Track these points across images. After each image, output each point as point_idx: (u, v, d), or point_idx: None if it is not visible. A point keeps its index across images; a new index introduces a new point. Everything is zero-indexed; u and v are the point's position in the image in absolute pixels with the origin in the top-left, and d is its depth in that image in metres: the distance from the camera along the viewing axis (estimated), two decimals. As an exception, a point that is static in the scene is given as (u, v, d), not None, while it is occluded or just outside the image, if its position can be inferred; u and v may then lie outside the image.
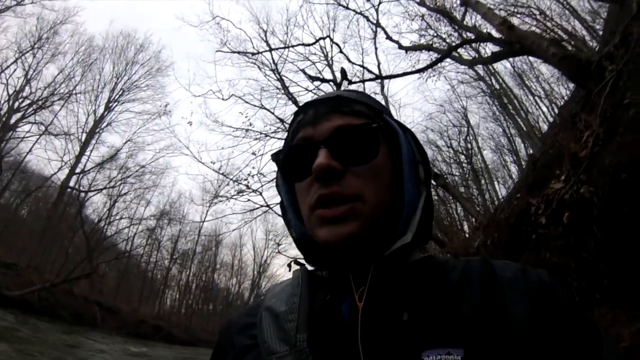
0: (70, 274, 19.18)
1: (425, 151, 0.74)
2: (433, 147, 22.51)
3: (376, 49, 12.61)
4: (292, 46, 11.49)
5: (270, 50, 11.09)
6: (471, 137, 20.62)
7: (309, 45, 11.80)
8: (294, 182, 0.72)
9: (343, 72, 9.22)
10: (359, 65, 11.80)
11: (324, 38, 11.87)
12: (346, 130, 0.67)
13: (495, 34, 9.10)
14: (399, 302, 0.58)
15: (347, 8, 12.93)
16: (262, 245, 35.69)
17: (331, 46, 12.82)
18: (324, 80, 10.69)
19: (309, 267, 0.73)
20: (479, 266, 0.63)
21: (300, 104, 0.78)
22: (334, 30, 13.19)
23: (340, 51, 11.16)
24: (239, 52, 11.79)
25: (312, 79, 10.43)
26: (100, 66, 27.28)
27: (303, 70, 11.75)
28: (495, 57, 9.66)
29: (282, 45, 12.70)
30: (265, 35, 12.71)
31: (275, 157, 0.75)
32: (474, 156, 20.82)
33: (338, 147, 0.65)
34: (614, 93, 3.27)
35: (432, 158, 22.64)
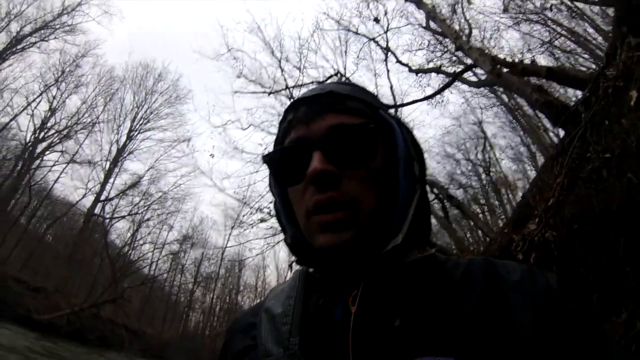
0: (99, 298, 20.03)
1: (421, 147, 0.74)
2: (452, 161, 22.76)
3: (388, 71, 12.97)
4: (305, 84, 12.10)
5: (287, 88, 11.71)
6: (489, 148, 20.80)
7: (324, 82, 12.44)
8: (287, 187, 0.70)
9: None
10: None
11: (340, 78, 12.47)
12: (342, 131, 0.65)
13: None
14: (391, 307, 0.57)
15: (357, 33, 13.56)
16: (285, 266, 36.08)
17: (344, 69, 13.41)
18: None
19: (307, 269, 0.73)
20: (482, 267, 0.62)
21: None
22: (346, 53, 13.66)
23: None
24: (255, 92, 12.45)
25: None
26: (122, 96, 28.99)
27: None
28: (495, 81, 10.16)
29: (296, 71, 13.43)
30: (280, 64, 13.40)
31: (267, 159, 0.73)
32: (492, 167, 21.01)
33: (333, 150, 0.64)
34: (582, 144, 3.69)
35: (451, 171, 22.87)
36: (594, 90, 4.09)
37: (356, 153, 0.64)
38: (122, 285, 23.31)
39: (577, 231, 3.00)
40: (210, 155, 13.29)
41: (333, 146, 0.64)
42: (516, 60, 9.60)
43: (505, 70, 8.52)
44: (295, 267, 0.77)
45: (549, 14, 12.80)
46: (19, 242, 21.50)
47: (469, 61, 10.62)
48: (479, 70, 10.95)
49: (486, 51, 10.77)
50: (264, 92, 12.55)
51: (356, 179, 0.63)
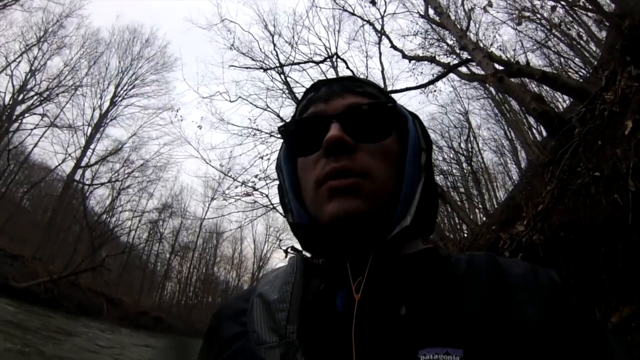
0: (78, 267, 20.04)
1: (431, 138, 0.75)
2: (435, 147, 23.15)
3: (380, 54, 13.19)
4: (300, 63, 12.17)
5: (280, 66, 11.78)
6: (472, 138, 21.28)
7: (318, 63, 12.50)
8: (300, 157, 0.72)
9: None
10: (364, 79, 12.57)
11: (331, 57, 12.54)
12: (360, 107, 0.68)
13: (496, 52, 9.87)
14: (397, 295, 0.57)
15: (353, 14, 13.61)
16: (263, 240, 36.59)
17: (336, 48, 13.56)
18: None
19: (307, 255, 0.72)
20: (486, 262, 0.62)
21: None
22: (339, 32, 13.75)
23: (347, 67, 11.82)
24: (249, 67, 12.47)
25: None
26: (107, 60, 28.22)
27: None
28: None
29: (288, 47, 13.54)
30: (273, 39, 13.43)
31: (283, 129, 0.75)
32: (474, 157, 21.58)
33: (351, 123, 0.66)
34: (574, 157, 4.06)
35: (433, 158, 23.35)
36: (590, 108, 4.43)
37: (371, 128, 0.67)
38: (101, 253, 23.38)
39: (563, 238, 3.38)
40: (198, 126, 13.39)
41: (350, 120, 0.67)
42: (509, 57, 9.96)
43: (500, 67, 8.88)
44: (291, 253, 0.75)
45: (545, 14, 13.05)
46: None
47: (464, 54, 10.94)
48: (472, 63, 11.22)
49: (482, 45, 11.14)
50: (259, 67, 12.59)
51: (369, 153, 0.65)
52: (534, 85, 12.35)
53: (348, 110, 0.68)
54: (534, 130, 15.97)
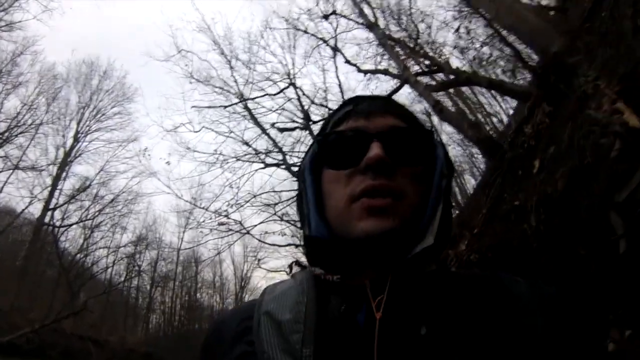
0: (59, 313, 20.00)
1: (453, 165, 0.77)
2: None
3: (337, 68, 13.76)
4: (261, 97, 12.85)
5: (242, 101, 12.43)
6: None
7: (274, 95, 13.18)
8: (333, 169, 0.73)
9: (306, 114, 10.78)
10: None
11: (286, 88, 13.26)
12: (401, 130, 0.73)
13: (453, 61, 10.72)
14: (417, 315, 0.58)
15: (306, 32, 14.14)
16: (241, 260, 36.83)
17: (292, 65, 14.16)
18: (293, 129, 12.18)
19: (315, 270, 0.71)
20: (492, 281, 0.67)
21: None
22: (294, 48, 14.40)
23: (304, 94, 12.58)
24: (213, 107, 13.14)
25: (281, 130, 11.92)
26: (66, 96, 28.15)
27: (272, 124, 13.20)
28: (443, 87, 11.41)
29: (245, 69, 14.08)
30: (230, 64, 13.99)
31: (319, 139, 0.79)
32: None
33: (392, 144, 0.69)
34: (503, 183, 4.82)
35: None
36: (516, 136, 5.23)
37: (410, 152, 0.70)
38: (80, 295, 23.33)
39: (490, 258, 4.14)
40: (166, 162, 13.87)
41: (392, 141, 0.69)
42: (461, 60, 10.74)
43: (451, 77, 9.72)
44: (296, 268, 0.76)
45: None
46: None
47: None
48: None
49: (433, 55, 11.97)
50: (220, 106, 13.24)
51: (406, 176, 0.68)
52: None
53: (390, 131, 0.71)
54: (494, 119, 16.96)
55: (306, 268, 0.75)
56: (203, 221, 13.55)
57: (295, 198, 0.89)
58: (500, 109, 17.25)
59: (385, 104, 0.80)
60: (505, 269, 3.81)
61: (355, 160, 0.69)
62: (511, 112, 13.93)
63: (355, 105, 0.78)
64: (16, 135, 24.52)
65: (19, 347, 17.57)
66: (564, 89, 4.01)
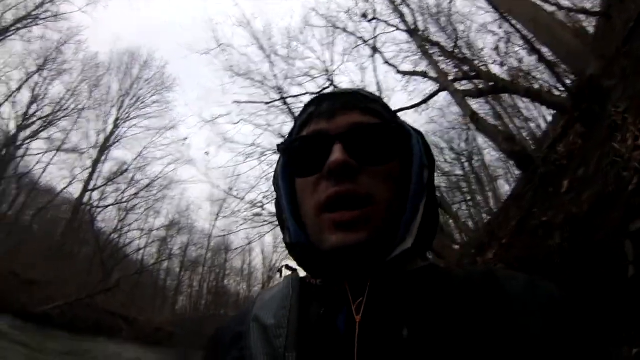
0: (94, 289, 21.14)
1: (433, 155, 0.75)
2: (435, 149, 24.06)
3: (375, 67, 13.94)
4: (302, 95, 13.18)
5: (283, 99, 12.82)
6: (472, 139, 22.07)
7: (314, 94, 13.48)
8: (299, 177, 0.71)
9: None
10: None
11: (325, 85, 13.55)
12: (365, 128, 0.68)
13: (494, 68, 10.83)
14: (398, 317, 0.57)
15: (345, 31, 14.38)
16: (271, 250, 37.61)
17: (331, 62, 14.50)
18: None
19: (301, 273, 0.73)
20: (485, 278, 0.62)
21: None
22: (333, 45, 14.68)
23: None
24: (253, 102, 13.60)
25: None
26: (107, 84, 29.83)
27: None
28: (481, 94, 11.53)
29: (284, 64, 14.52)
30: (269, 58, 14.40)
31: (282, 147, 0.75)
32: (475, 156, 22.42)
33: (355, 144, 0.66)
34: (534, 197, 5.06)
35: (436, 160, 24.23)
36: (550, 153, 5.44)
37: (377, 151, 0.67)
38: (113, 274, 24.54)
39: (517, 269, 4.41)
40: (205, 153, 14.45)
41: (355, 141, 0.66)
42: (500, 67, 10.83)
43: (490, 84, 9.85)
44: (286, 272, 0.75)
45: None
46: (9, 235, 22.41)
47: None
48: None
49: (472, 58, 12.06)
50: (262, 102, 13.65)
51: (373, 176, 0.65)
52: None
53: (352, 130, 0.67)
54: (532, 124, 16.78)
55: (295, 271, 0.75)
56: (238, 210, 13.97)
57: None
58: (538, 115, 17.04)
59: (349, 99, 0.73)
60: None
61: (319, 166, 0.66)
62: (549, 118, 13.80)
63: (318, 106, 0.74)
64: (60, 120, 26.31)
65: (52, 318, 18.81)
66: (598, 112, 4.21)
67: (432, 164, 0.74)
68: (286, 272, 0.77)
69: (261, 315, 0.65)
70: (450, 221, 20.01)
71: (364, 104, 0.73)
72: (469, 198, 23.37)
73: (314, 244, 0.67)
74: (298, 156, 0.72)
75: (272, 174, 0.81)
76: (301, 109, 0.79)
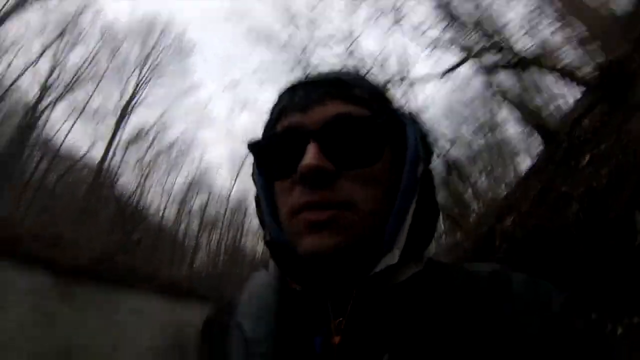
0: (117, 246, 22.23)
1: (431, 145, 0.66)
2: (458, 118, 24.00)
3: (398, 37, 14.18)
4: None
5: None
6: (496, 110, 21.94)
7: (335, 63, 13.59)
8: (275, 179, 0.63)
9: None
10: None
11: (347, 53, 13.54)
12: (344, 122, 0.58)
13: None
14: (380, 340, 0.52)
15: None
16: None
17: (353, 30, 14.13)
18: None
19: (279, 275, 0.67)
20: (486, 285, 0.56)
21: None
22: (355, 12, 14.59)
23: (366, 63, 12.92)
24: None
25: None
26: (127, 50, 30.07)
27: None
28: (507, 67, 11.52)
29: (305, 30, 14.49)
30: (291, 23, 14.43)
31: (252, 147, 0.66)
32: (496, 129, 22.35)
33: (332, 143, 0.57)
34: (555, 170, 5.30)
35: (456, 127, 24.22)
36: (573, 128, 5.65)
37: (359, 150, 0.58)
38: (135, 233, 25.60)
39: (534, 237, 4.70)
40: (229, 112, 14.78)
41: (333, 139, 0.57)
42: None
43: (516, 57, 9.88)
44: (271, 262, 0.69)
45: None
46: (35, 197, 23.47)
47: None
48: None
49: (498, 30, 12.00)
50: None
51: (355, 181, 0.57)
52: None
53: (330, 125, 0.58)
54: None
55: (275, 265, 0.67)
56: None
57: None
58: (567, 92, 16.88)
59: (328, 86, 0.63)
60: (543, 247, 4.32)
61: (293, 168, 0.57)
62: (577, 95, 13.77)
63: (292, 96, 0.64)
64: (80, 86, 27.08)
65: (79, 273, 19.63)
66: (624, 91, 4.40)
67: (429, 156, 0.65)
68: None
69: (243, 322, 0.61)
70: (470, 190, 20.34)
71: (347, 91, 0.62)
72: (488, 168, 23.48)
73: (292, 247, 0.59)
74: (269, 157, 0.64)
75: None
76: (275, 100, 0.69)
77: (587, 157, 4.45)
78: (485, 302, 0.54)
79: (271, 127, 0.67)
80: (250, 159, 0.69)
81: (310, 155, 0.56)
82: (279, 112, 0.65)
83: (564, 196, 4.61)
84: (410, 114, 0.66)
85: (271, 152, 0.63)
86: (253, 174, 0.70)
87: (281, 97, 0.67)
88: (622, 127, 3.69)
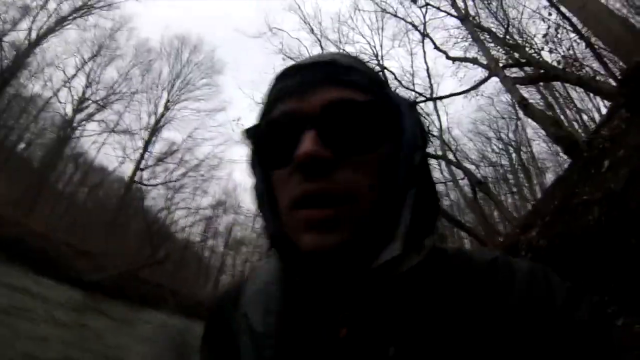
0: (145, 260, 23.03)
1: (426, 131, 0.64)
2: (483, 138, 23.90)
3: (425, 53, 14.05)
4: None
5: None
6: (521, 129, 21.83)
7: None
8: (272, 169, 0.61)
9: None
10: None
11: (376, 56, 13.78)
12: (343, 107, 0.57)
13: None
14: (386, 332, 0.52)
15: (396, 16, 14.72)
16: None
17: (380, 47, 14.95)
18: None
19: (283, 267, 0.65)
20: (489, 275, 0.57)
21: None
22: (382, 30, 15.01)
23: (394, 77, 13.19)
24: None
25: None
26: (158, 68, 31.83)
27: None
28: (532, 81, 11.61)
29: (334, 47, 14.90)
30: (320, 43, 15.07)
31: (249, 134, 0.65)
32: (523, 147, 22.19)
33: (331, 130, 0.56)
34: (577, 179, 5.34)
35: (481, 149, 24.02)
36: (593, 137, 5.71)
37: (359, 136, 0.56)
38: (161, 249, 26.12)
39: (558, 244, 4.75)
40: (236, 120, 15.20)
41: (331, 125, 0.56)
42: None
43: (541, 71, 9.98)
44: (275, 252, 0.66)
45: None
46: (66, 210, 24.40)
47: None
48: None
49: (523, 44, 12.12)
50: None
51: (354, 168, 0.55)
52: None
53: (327, 110, 0.56)
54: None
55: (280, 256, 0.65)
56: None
57: None
58: (592, 106, 16.76)
59: (325, 70, 0.61)
60: (567, 255, 4.34)
61: (289, 156, 0.56)
62: (604, 110, 13.68)
63: (287, 81, 0.62)
64: (113, 102, 28.55)
65: (104, 286, 20.13)
66: (640, 97, 4.46)
67: (425, 143, 0.63)
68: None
69: (249, 312, 0.62)
70: (496, 212, 20.07)
71: (344, 75, 0.61)
72: (514, 190, 23.20)
73: (293, 241, 0.59)
74: (265, 145, 0.62)
75: None
76: (270, 84, 0.67)
77: (607, 163, 4.50)
78: (489, 292, 0.54)
79: (267, 114, 0.64)
80: (248, 147, 0.67)
81: (307, 143, 0.54)
82: (274, 97, 0.63)
83: (584, 202, 4.65)
84: (406, 99, 0.65)
85: (267, 139, 0.61)
86: (250, 164, 0.67)
87: (276, 81, 0.65)
88: (640, 130, 3.76)
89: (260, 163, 0.65)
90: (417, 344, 0.50)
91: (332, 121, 0.56)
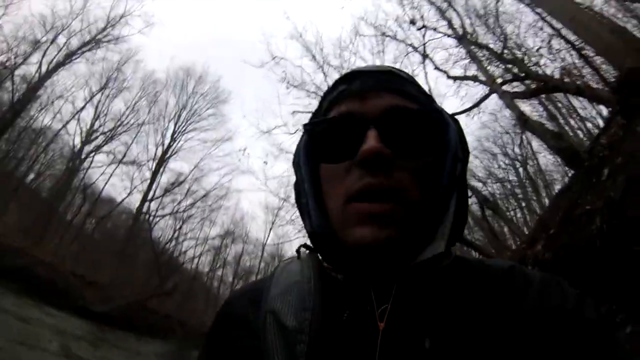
0: (154, 291, 23.05)
1: (468, 146, 0.70)
2: (489, 155, 23.83)
3: (426, 74, 13.89)
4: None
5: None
6: (526, 142, 21.72)
7: None
8: (326, 163, 0.66)
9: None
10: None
11: None
12: (401, 113, 0.62)
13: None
14: (422, 325, 0.54)
15: (395, 39, 14.70)
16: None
17: None
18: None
19: (322, 263, 0.68)
20: (507, 280, 0.60)
21: None
22: (383, 53, 15.06)
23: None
24: (308, 112, 14.20)
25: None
26: (164, 99, 32.46)
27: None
28: (532, 94, 11.62)
29: (336, 73, 14.92)
30: (323, 69, 14.97)
31: (309, 128, 0.70)
32: (529, 161, 22.02)
33: (390, 132, 0.60)
34: (580, 189, 5.29)
35: (488, 165, 23.94)
36: (593, 146, 5.67)
37: (413, 142, 0.62)
38: (169, 280, 26.07)
39: (563, 256, 4.67)
40: (264, 162, 15.13)
41: (390, 128, 0.61)
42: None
43: (540, 83, 10.00)
44: (304, 253, 0.70)
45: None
46: (74, 240, 24.53)
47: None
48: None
49: (522, 57, 12.16)
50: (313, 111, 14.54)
51: (407, 169, 0.60)
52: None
53: (388, 114, 0.62)
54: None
55: (313, 253, 0.70)
56: (293, 219, 14.85)
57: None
58: (596, 113, 16.68)
59: (385, 79, 0.67)
60: (572, 266, 4.29)
61: (350, 152, 0.61)
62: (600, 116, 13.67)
63: (349, 84, 0.68)
64: (121, 134, 29.25)
65: (112, 317, 20.17)
66: (637, 103, 4.45)
67: (466, 157, 0.69)
68: (304, 253, 0.71)
69: (278, 309, 0.60)
70: (505, 229, 19.84)
71: (400, 85, 0.67)
72: (523, 204, 22.96)
73: (338, 236, 0.62)
74: (326, 140, 0.67)
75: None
76: (330, 85, 0.73)
77: (606, 172, 4.46)
78: (507, 295, 0.58)
79: (324, 113, 0.71)
80: (298, 143, 0.75)
81: (372, 140, 0.59)
82: (335, 97, 0.69)
83: (587, 212, 4.59)
84: (451, 115, 0.70)
85: (328, 135, 0.66)
86: (297, 160, 0.73)
87: (337, 83, 0.71)
88: (636, 137, 3.74)
89: (313, 157, 0.69)
90: (450, 337, 0.53)
91: (391, 124, 0.61)
